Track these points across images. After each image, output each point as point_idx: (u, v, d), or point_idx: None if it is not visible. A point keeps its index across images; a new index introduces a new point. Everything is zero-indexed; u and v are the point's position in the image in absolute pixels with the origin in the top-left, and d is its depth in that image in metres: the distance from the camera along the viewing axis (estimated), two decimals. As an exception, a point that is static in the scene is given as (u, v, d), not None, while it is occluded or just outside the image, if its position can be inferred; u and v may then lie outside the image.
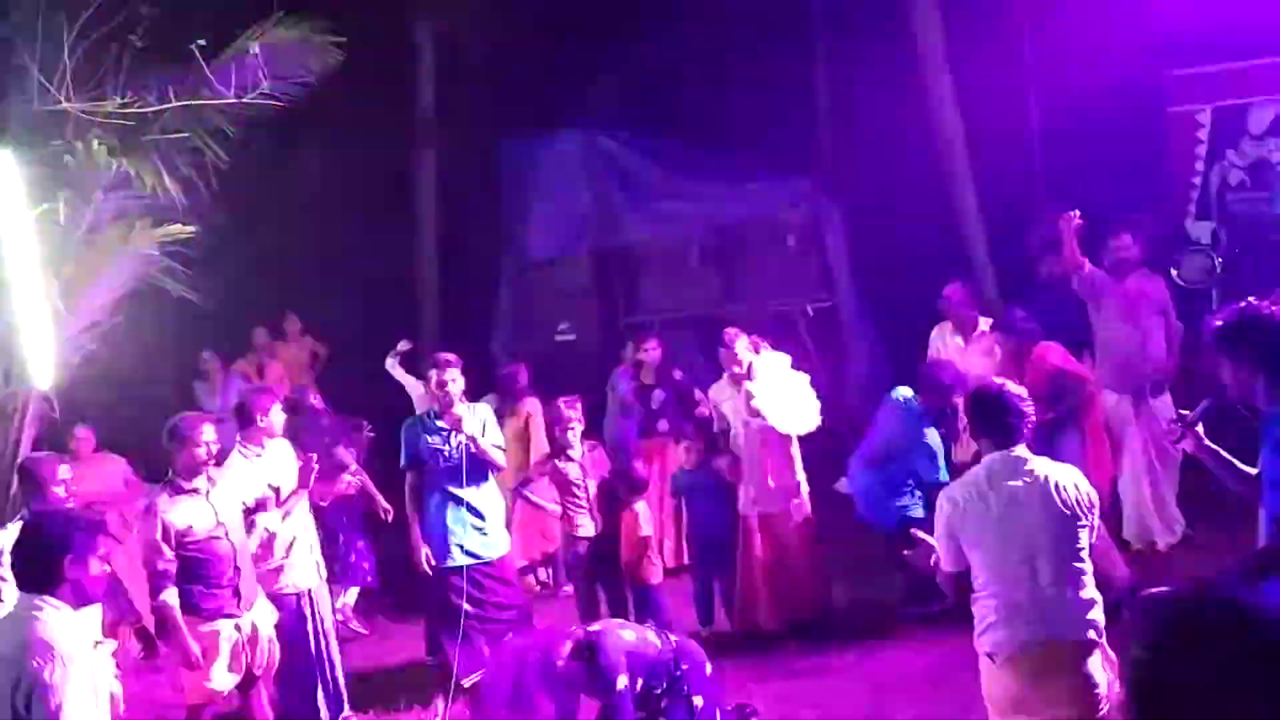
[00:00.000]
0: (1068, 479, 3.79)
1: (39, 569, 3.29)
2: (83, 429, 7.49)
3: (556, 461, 6.45)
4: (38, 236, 6.43)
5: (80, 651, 3.24)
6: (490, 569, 6.07)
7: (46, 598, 3.24)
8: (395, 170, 11.91)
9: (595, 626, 4.72)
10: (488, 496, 6.11)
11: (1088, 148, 9.81)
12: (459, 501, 5.98)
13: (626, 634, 4.64)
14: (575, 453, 6.47)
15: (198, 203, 7.49)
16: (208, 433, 5.22)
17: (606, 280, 11.12)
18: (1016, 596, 3.67)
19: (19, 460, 6.39)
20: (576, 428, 6.46)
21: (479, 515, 6.03)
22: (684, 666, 4.75)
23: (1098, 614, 3.71)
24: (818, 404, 6.31)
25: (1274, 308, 3.64)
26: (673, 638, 4.90)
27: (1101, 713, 3.61)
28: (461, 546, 5.98)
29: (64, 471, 5.27)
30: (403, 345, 8.65)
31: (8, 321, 6.52)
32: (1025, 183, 10.93)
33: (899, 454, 6.24)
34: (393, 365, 8.46)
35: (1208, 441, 3.79)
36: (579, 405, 6.60)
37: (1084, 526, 3.72)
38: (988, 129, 10.20)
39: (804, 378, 6.41)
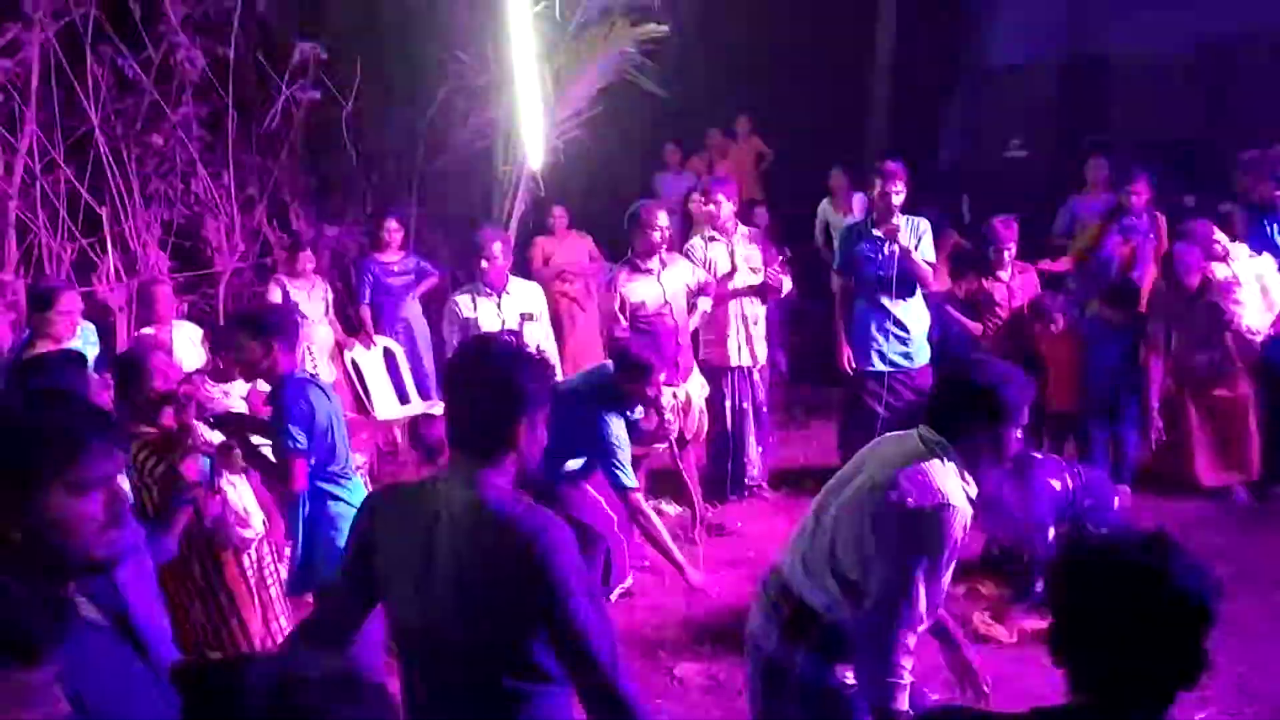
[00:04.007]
0: None
1: None
2: (559, 208, 8.44)
3: (984, 280, 6.40)
4: (535, 30, 7.25)
5: None
6: (907, 378, 6.27)
7: None
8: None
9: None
10: (913, 310, 6.24)
11: None
12: (885, 311, 6.17)
13: (1054, 482, 4.68)
14: (1004, 274, 6.36)
15: (673, 4, 7.98)
16: (662, 219, 5.80)
17: (1072, 94, 10.28)
18: None
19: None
20: (1011, 249, 6.33)
21: (902, 326, 6.20)
22: (1087, 502, 4.72)
23: None
24: None
25: None
26: (1080, 472, 4.86)
27: None
28: (882, 354, 6.23)
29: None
30: None
31: (509, 105, 7.50)
32: None
33: None
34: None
35: None
36: (1015, 226, 6.43)
37: None
38: None
39: (1269, 264, 5.81)
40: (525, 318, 5.92)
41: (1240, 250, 5.93)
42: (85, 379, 3.29)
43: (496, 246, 5.86)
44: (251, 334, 3.84)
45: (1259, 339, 5.86)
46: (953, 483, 2.68)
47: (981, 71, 10.88)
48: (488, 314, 5.80)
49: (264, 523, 4.06)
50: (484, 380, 2.21)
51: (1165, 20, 9.34)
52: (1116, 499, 4.87)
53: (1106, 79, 10.08)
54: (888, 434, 3.02)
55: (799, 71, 11.26)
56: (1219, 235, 5.94)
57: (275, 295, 6.80)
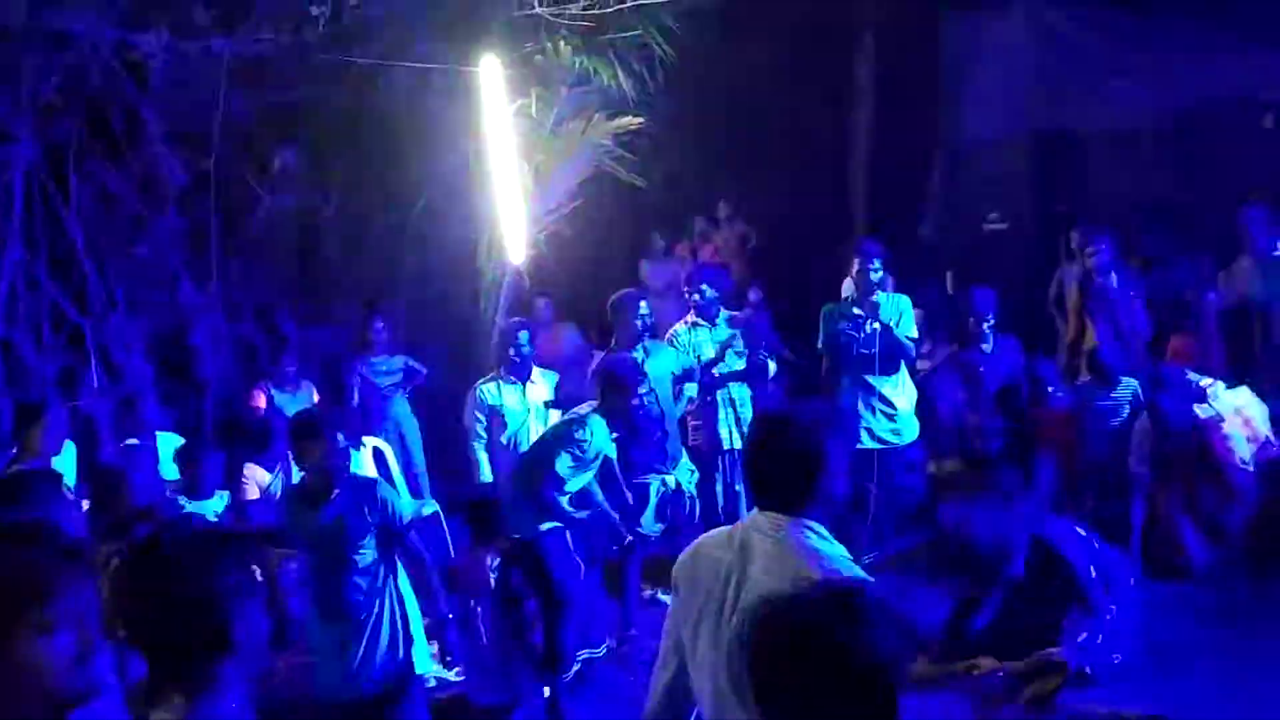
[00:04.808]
0: None
1: None
2: (542, 300, 8.51)
3: (966, 354, 6.42)
4: (513, 129, 7.38)
5: None
6: (897, 455, 6.24)
7: None
8: (834, 52, 11.90)
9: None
10: (899, 386, 6.24)
11: None
12: (870, 389, 6.17)
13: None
14: (986, 345, 6.38)
15: (647, 96, 8.14)
16: (643, 307, 5.83)
17: (1045, 166, 10.46)
18: None
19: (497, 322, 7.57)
20: (991, 320, 6.36)
21: (889, 403, 6.20)
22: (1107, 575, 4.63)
23: None
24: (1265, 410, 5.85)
25: None
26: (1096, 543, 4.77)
27: None
28: (871, 431, 6.21)
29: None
30: None
31: (490, 203, 7.59)
32: None
33: None
34: None
35: None
36: (994, 297, 6.47)
37: None
38: None
39: (1246, 395, 5.90)
40: (548, 405, 6.04)
41: (1218, 387, 5.94)
42: (59, 501, 3.26)
43: (523, 335, 5.96)
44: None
45: (1250, 469, 5.82)
46: (849, 565, 2.38)
47: (957, 148, 11.05)
48: (513, 401, 5.92)
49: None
50: (175, 599, 1.79)
51: (1131, 93, 9.56)
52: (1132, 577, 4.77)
53: (1078, 151, 10.26)
54: (709, 550, 2.58)
55: (779, 154, 11.42)
56: (1192, 375, 5.94)
57: (260, 401, 6.80)
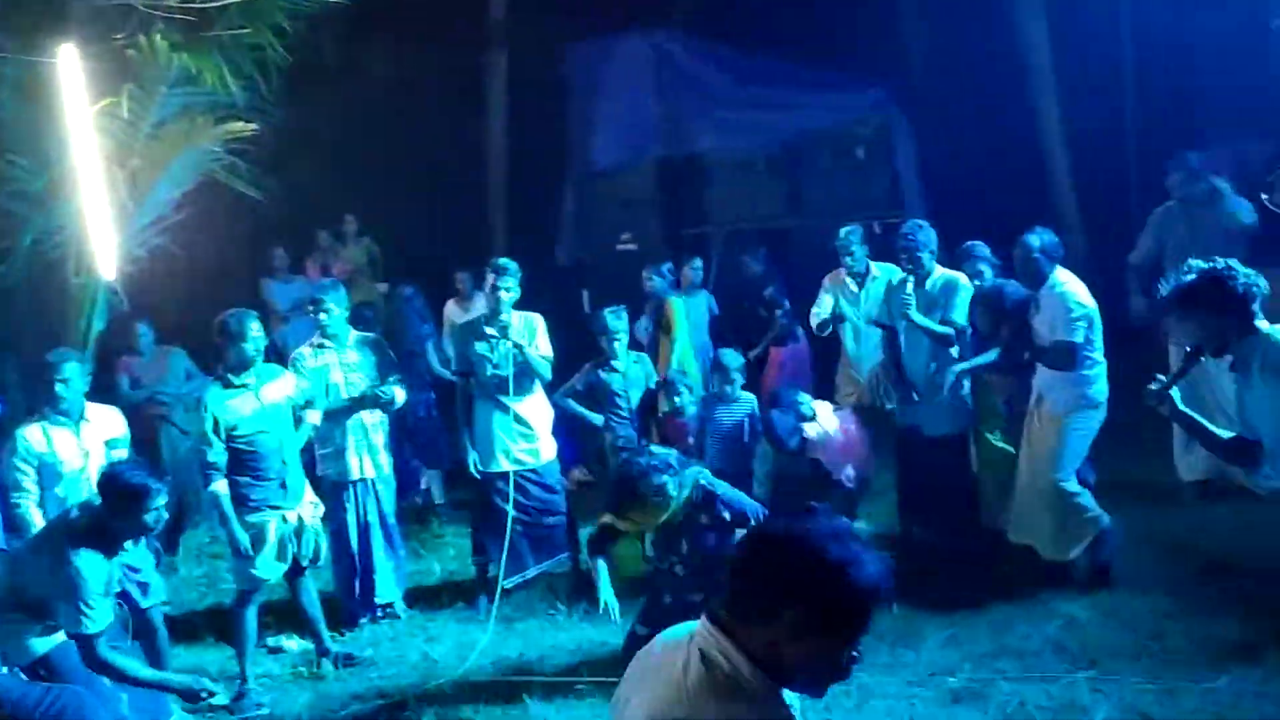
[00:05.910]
0: None
1: None
2: (141, 324, 7.67)
3: (600, 371, 6.45)
4: (102, 130, 6.52)
5: None
6: (535, 475, 6.14)
7: None
8: (465, 71, 11.78)
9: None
10: (535, 405, 6.15)
11: (1186, 62, 9.26)
12: (505, 409, 6.03)
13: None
14: (619, 363, 6.44)
15: (261, 101, 7.52)
16: (255, 329, 5.29)
17: (670, 190, 10.97)
18: None
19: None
20: (622, 338, 6.43)
21: (525, 424, 6.09)
22: None
23: None
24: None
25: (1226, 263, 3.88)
26: None
27: None
28: (508, 453, 6.07)
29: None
30: None
31: (74, 212, 6.67)
32: (1117, 98, 10.39)
33: None
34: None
35: (1183, 407, 4.03)
36: (625, 316, 6.55)
37: None
38: (1077, 38, 9.69)
39: (847, 415, 6.31)
40: (110, 446, 5.22)
41: (824, 407, 6.26)
42: None
43: (69, 369, 5.12)
44: None
45: (853, 486, 6.14)
46: None
47: (590, 171, 11.30)
48: (66, 446, 5.11)
49: None
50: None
51: (742, 122, 10.24)
52: None
53: (699, 175, 10.84)
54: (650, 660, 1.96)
55: (411, 168, 11.12)
56: (802, 397, 6.22)
57: None
